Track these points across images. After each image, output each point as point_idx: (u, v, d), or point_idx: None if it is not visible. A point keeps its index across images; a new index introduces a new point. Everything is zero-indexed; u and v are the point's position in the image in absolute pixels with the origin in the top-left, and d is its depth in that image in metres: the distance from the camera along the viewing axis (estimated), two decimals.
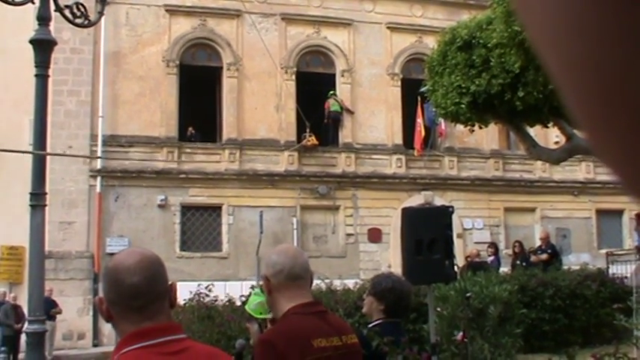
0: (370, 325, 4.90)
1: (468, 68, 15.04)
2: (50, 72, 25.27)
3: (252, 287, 10.61)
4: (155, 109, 24.80)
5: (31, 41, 8.73)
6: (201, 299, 12.13)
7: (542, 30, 0.46)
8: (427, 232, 7.17)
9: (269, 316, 4.15)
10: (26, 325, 6.65)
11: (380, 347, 4.63)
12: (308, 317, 3.22)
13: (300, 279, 3.29)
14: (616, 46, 0.41)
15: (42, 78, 8.41)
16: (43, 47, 8.66)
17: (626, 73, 0.41)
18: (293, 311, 3.22)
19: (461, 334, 9.37)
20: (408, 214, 7.47)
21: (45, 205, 7.02)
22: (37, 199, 6.96)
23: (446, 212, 7.51)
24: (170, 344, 2.44)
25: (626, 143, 0.44)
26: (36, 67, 8.50)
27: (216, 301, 12.12)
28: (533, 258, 18.03)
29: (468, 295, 9.46)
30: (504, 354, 6.34)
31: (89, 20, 9.32)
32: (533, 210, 28.25)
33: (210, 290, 12.38)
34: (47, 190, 24.64)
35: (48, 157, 23.67)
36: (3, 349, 14.00)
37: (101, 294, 2.55)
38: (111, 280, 2.48)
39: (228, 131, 25.63)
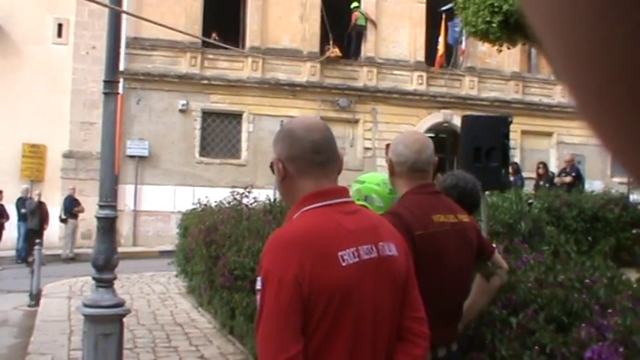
0: None
1: None
2: None
3: None
4: (180, 13, 24.52)
5: None
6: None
7: (545, 17, 0.45)
8: (486, 140, 7.25)
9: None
10: (97, 210, 6.77)
11: None
12: (426, 196, 3.51)
13: (422, 171, 3.52)
14: (622, 34, 0.40)
15: None
16: None
17: (631, 60, 0.41)
18: (412, 192, 3.51)
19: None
20: (469, 121, 7.53)
21: (118, 94, 7.08)
22: (111, 86, 7.01)
23: (505, 121, 7.58)
24: (346, 205, 2.65)
25: (631, 130, 0.43)
26: None
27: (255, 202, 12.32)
28: (557, 180, 18.05)
29: (531, 201, 9.60)
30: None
31: None
32: (550, 135, 28.29)
33: (247, 195, 12.60)
34: (70, 90, 24.46)
35: (71, 58, 23.77)
36: (38, 241, 14.21)
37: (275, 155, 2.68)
38: (292, 138, 2.63)
39: (251, 39, 25.50)
